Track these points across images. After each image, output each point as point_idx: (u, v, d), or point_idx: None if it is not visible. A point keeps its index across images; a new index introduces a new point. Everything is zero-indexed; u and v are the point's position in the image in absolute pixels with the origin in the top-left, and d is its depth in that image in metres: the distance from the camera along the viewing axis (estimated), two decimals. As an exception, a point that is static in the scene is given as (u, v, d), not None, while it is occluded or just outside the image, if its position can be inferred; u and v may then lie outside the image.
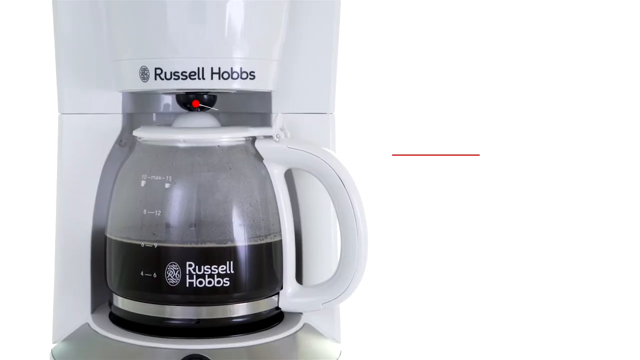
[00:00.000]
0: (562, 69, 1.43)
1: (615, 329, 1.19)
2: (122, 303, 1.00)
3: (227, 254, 0.96)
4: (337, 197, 0.99)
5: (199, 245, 0.96)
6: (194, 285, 0.96)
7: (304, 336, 1.01)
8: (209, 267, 0.96)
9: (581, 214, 1.44)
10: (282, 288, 1.01)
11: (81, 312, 1.03)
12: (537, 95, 1.44)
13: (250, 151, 1.00)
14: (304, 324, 1.03)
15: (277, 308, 1.02)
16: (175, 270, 0.95)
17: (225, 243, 0.96)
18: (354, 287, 1.00)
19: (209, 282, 0.96)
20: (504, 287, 1.35)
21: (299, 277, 1.05)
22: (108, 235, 1.00)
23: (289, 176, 1.03)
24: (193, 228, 0.96)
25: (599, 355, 1.10)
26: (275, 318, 1.03)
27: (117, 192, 1.00)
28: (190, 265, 0.95)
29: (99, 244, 1.02)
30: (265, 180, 1.00)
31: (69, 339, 1.01)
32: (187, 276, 0.95)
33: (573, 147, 1.44)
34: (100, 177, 1.02)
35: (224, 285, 0.96)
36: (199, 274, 0.95)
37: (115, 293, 1.00)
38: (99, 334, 0.98)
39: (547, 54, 1.42)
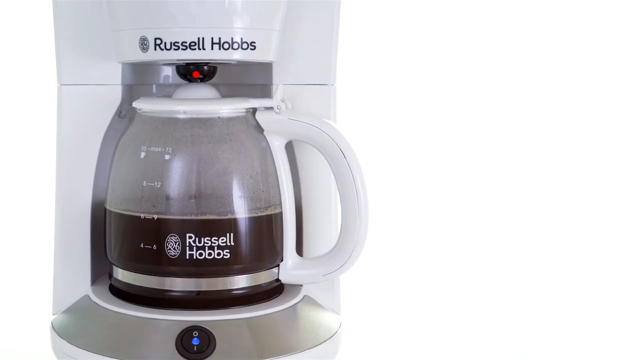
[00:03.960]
0: (562, 66, 1.42)
1: (618, 328, 1.18)
2: (122, 275, 0.99)
3: (227, 225, 0.96)
4: (338, 169, 0.98)
5: (199, 217, 0.95)
6: (194, 257, 0.95)
7: (304, 308, 1.01)
8: (209, 239, 0.95)
9: (577, 208, 1.43)
10: (282, 260, 1.01)
11: (81, 284, 1.03)
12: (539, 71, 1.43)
13: (250, 123, 0.99)
14: (304, 296, 1.03)
15: (277, 280, 1.01)
16: (175, 242, 0.95)
17: (225, 215, 0.96)
18: (354, 259, 1.00)
19: (209, 254, 0.95)
20: (506, 262, 1.34)
21: (299, 249, 1.04)
22: (107, 207, 1.00)
23: (289, 148, 1.03)
24: (193, 200, 0.96)
25: (599, 354, 1.09)
26: (276, 290, 1.02)
27: (116, 163, 1.00)
28: (190, 237, 0.95)
29: (99, 216, 1.02)
30: (266, 152, 0.99)
31: (69, 310, 1.01)
32: (187, 248, 0.95)
33: (573, 143, 1.43)
34: (100, 149, 1.02)
35: (224, 257, 0.96)
36: (199, 246, 0.95)
37: (115, 265, 1.00)
38: (99, 305, 0.98)
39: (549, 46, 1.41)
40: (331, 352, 1.00)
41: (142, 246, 0.96)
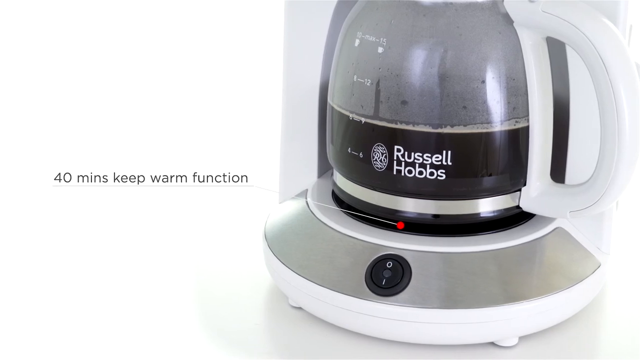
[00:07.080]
0: None
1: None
2: (336, 176, 0.86)
3: (445, 140, 0.78)
4: (598, 85, 0.75)
5: (411, 128, 0.78)
6: (402, 174, 0.79)
7: (550, 243, 0.82)
8: (420, 154, 0.78)
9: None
10: (525, 185, 0.81)
11: (306, 177, 0.91)
12: None
13: (495, 11, 0.78)
14: (556, 228, 0.83)
15: (518, 207, 0.82)
16: (382, 154, 0.80)
17: (443, 127, 0.78)
18: (612, 196, 0.77)
19: (420, 173, 0.79)
20: None
21: (560, 174, 0.84)
22: (328, 98, 0.86)
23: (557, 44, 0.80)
24: (406, 106, 0.79)
25: None
26: (512, 218, 0.83)
27: (338, 48, 0.84)
28: (398, 150, 0.79)
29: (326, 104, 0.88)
30: (512, 50, 0.78)
31: (284, 217, 0.89)
32: (395, 162, 0.79)
33: None
34: (329, 29, 0.87)
35: (438, 177, 0.79)
36: (408, 162, 0.79)
37: (331, 164, 0.87)
38: (306, 205, 0.86)
39: None
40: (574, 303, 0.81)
41: (349, 151, 0.82)
